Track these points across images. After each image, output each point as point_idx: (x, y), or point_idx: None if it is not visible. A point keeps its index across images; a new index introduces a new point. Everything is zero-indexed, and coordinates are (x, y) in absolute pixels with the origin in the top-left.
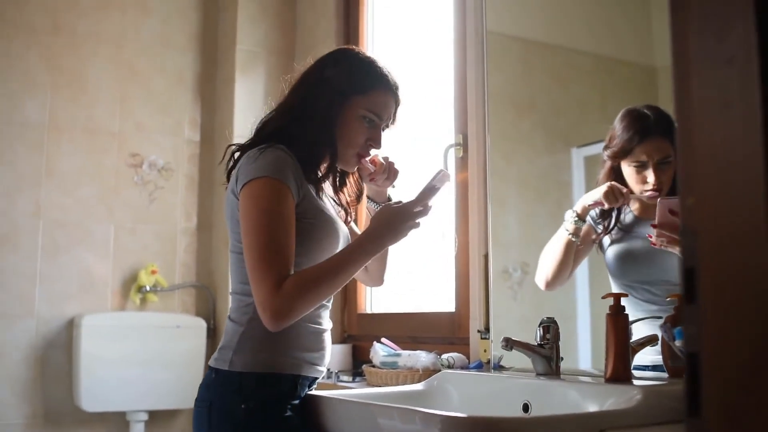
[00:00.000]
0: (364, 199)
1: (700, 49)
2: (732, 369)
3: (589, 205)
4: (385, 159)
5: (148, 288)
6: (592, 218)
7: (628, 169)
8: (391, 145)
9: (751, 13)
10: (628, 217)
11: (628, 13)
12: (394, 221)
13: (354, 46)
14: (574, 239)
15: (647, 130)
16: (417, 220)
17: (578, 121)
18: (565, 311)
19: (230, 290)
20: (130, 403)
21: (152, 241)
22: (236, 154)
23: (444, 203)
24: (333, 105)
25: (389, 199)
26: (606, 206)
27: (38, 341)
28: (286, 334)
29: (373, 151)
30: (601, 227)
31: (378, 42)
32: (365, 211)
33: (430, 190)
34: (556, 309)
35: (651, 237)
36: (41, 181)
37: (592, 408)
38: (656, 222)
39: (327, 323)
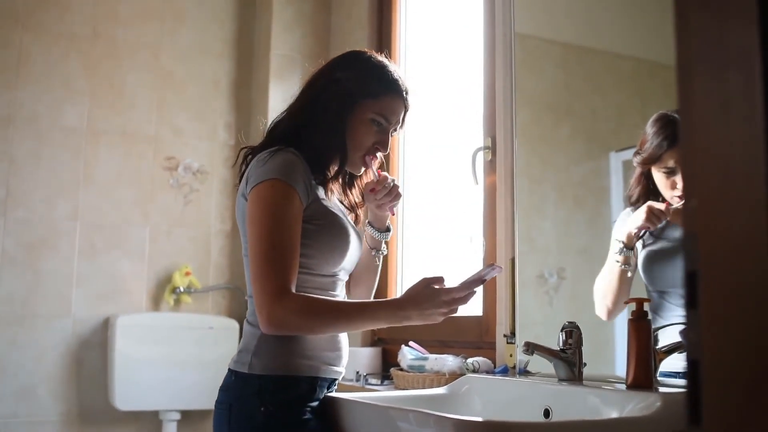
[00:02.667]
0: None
1: (701, 51)
2: (734, 377)
3: (634, 233)
4: (391, 178)
5: (182, 289)
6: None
7: (657, 175)
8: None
9: (753, 14)
10: (663, 228)
11: (668, 16)
12: (427, 304)
13: (366, 50)
14: (625, 268)
15: (676, 135)
16: (452, 308)
17: (617, 125)
18: (601, 317)
19: (246, 294)
20: (163, 402)
21: (186, 243)
22: (248, 157)
23: (472, 207)
24: (343, 108)
25: (388, 229)
26: (652, 229)
27: (74, 341)
28: (304, 337)
29: (379, 155)
30: (644, 242)
31: (410, 47)
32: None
33: (476, 282)
34: (593, 315)
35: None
36: (79, 185)
37: (612, 414)
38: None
39: None
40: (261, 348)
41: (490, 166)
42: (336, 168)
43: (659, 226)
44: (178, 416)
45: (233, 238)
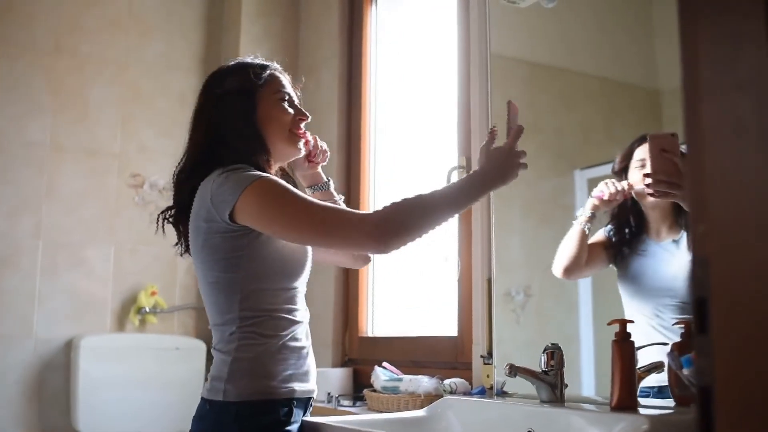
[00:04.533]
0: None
1: (710, 75)
2: (747, 404)
3: (600, 205)
4: (313, 137)
5: (147, 309)
6: (608, 232)
7: (633, 173)
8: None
9: (762, 37)
10: (641, 239)
11: (633, 36)
12: (508, 162)
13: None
14: (584, 226)
15: (645, 137)
16: (523, 160)
17: (582, 143)
18: (568, 335)
19: (210, 323)
20: (127, 425)
21: (152, 262)
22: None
23: (447, 227)
24: (247, 108)
25: (328, 180)
26: (606, 196)
27: (36, 362)
28: (274, 357)
29: (303, 125)
30: (616, 240)
31: (381, 64)
32: None
33: (518, 130)
34: (559, 333)
35: (647, 186)
36: (42, 202)
37: None
38: (650, 167)
39: (306, 339)
40: (234, 374)
41: None
42: (270, 162)
43: (614, 198)
44: None
45: None
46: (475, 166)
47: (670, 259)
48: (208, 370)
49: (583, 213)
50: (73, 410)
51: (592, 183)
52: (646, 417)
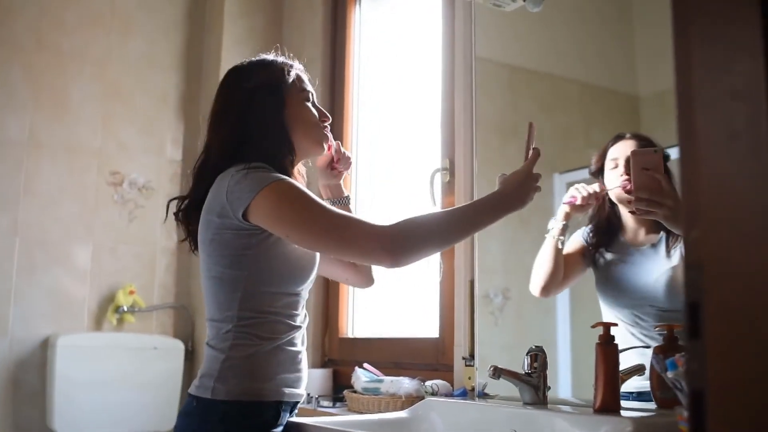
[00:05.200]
0: None
1: (705, 82)
2: (740, 408)
3: (572, 211)
4: (336, 143)
5: (125, 308)
6: (585, 236)
7: (607, 175)
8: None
9: (757, 44)
10: (619, 243)
11: (613, 42)
12: (527, 185)
13: (238, 63)
14: (557, 240)
15: (620, 136)
16: (538, 183)
17: (563, 147)
18: (546, 338)
19: (207, 317)
20: (104, 425)
21: (131, 261)
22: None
23: None
24: (277, 107)
25: (348, 196)
26: (578, 201)
27: (11, 362)
28: (267, 360)
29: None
30: (592, 244)
31: (364, 65)
32: None
33: (536, 154)
34: (537, 335)
35: (630, 204)
36: (20, 199)
37: None
38: (632, 184)
39: (301, 345)
40: (224, 373)
41: (449, 188)
42: (291, 163)
43: (585, 203)
44: None
45: (179, 256)
46: (458, 168)
47: (650, 265)
48: (186, 370)
49: (555, 225)
50: (49, 410)
51: (571, 186)
52: (630, 419)
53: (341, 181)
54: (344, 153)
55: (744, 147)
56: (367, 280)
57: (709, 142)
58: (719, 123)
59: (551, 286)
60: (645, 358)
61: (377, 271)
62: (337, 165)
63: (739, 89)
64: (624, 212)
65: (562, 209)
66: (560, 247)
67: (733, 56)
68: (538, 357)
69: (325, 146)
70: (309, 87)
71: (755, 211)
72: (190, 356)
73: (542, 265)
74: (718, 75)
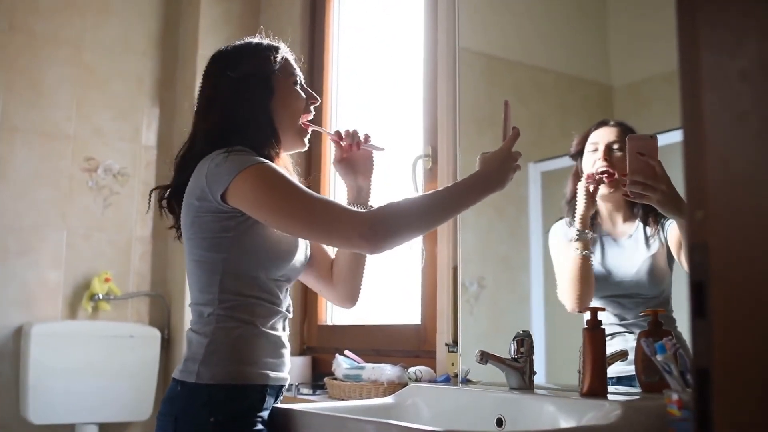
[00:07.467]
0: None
1: (711, 64)
2: (746, 386)
3: (582, 213)
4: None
5: (100, 296)
6: (565, 231)
7: (585, 157)
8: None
9: (765, 27)
10: (600, 231)
11: (588, 33)
12: (506, 165)
13: (221, 47)
14: (586, 253)
15: (603, 122)
16: (518, 162)
17: (537, 136)
18: (521, 326)
19: (189, 302)
20: (79, 415)
21: (106, 248)
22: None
23: None
24: (265, 92)
25: (371, 206)
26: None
27: None
28: (251, 343)
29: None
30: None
31: (343, 51)
32: None
33: (515, 134)
34: (512, 323)
35: (624, 187)
36: None
37: (570, 423)
38: (627, 168)
39: (283, 330)
40: (209, 357)
41: (431, 174)
42: (277, 154)
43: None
44: (95, 429)
45: (155, 243)
46: (440, 155)
47: (630, 256)
48: (162, 358)
49: (580, 237)
50: (23, 399)
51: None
52: (618, 403)
53: (370, 182)
54: (348, 131)
55: (751, 128)
56: (348, 299)
57: (716, 124)
58: (726, 104)
59: (588, 299)
60: (627, 344)
61: (360, 297)
62: (349, 147)
63: (746, 71)
64: (600, 202)
65: (582, 215)
66: (591, 262)
67: (740, 38)
68: (525, 342)
69: (306, 141)
70: (297, 71)
71: (761, 192)
72: (167, 345)
73: (580, 284)
74: (725, 57)
